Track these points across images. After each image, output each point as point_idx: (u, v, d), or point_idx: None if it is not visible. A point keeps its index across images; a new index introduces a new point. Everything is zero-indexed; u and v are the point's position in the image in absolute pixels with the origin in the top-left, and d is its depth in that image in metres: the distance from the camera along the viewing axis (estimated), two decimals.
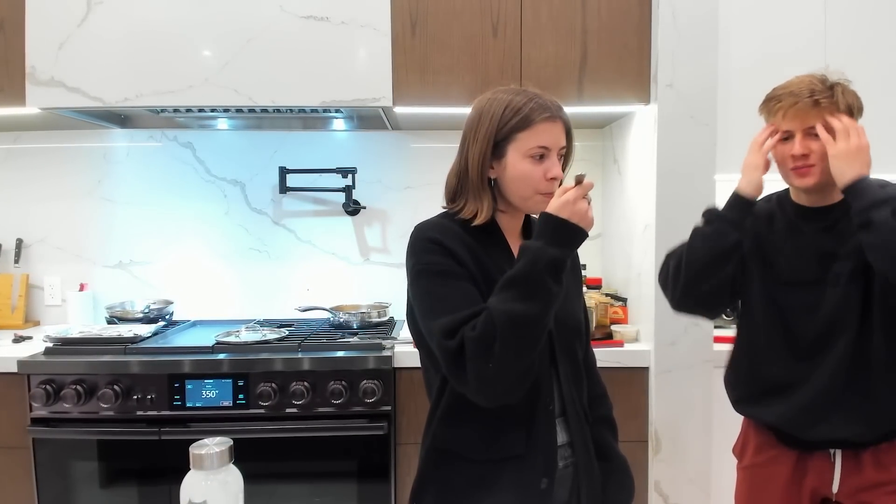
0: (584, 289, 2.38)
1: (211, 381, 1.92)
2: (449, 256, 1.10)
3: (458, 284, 1.09)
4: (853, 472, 1.35)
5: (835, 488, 1.37)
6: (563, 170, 1.19)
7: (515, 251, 1.17)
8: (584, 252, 2.47)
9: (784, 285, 1.41)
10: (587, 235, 1.08)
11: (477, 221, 1.15)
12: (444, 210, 1.22)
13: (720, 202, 1.46)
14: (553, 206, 1.06)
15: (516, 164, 1.13)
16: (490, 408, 1.07)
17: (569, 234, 1.05)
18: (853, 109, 1.36)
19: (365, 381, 1.93)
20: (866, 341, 1.32)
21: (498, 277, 1.08)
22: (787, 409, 1.38)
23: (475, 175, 1.14)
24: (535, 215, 1.21)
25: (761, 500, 1.45)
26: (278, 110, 2.10)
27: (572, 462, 1.19)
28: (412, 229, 1.17)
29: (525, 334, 1.02)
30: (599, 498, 1.22)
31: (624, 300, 2.29)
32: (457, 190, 1.18)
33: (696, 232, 1.44)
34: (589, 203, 1.07)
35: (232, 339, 2.08)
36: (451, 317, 1.05)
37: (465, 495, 1.13)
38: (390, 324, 2.38)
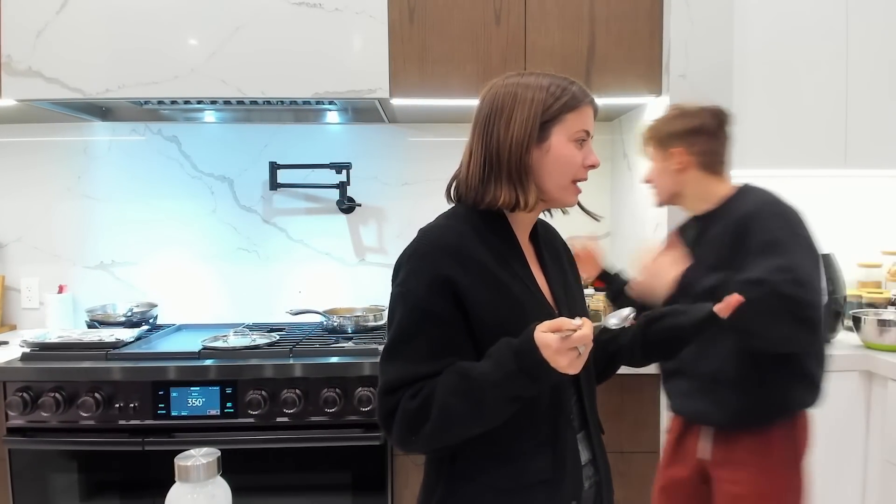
0: (592, 291, 2.38)
1: (197, 388, 1.92)
2: (445, 294, 1.04)
3: (431, 330, 1.04)
4: (719, 446, 1.60)
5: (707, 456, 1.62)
6: None
7: (525, 250, 1.17)
8: None
9: None
10: (559, 378, 0.98)
11: (524, 210, 1.12)
12: (453, 206, 1.18)
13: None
14: (540, 338, 0.95)
15: (561, 148, 1.11)
16: (514, 428, 1.06)
17: (543, 371, 0.95)
18: (664, 141, 1.62)
19: (360, 389, 1.93)
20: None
21: (512, 271, 1.10)
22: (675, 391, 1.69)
23: (514, 160, 1.09)
24: (560, 209, 1.21)
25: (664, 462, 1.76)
26: (268, 102, 2.11)
27: (595, 481, 1.16)
28: (417, 233, 1.11)
29: (457, 433, 1.03)
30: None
31: None
32: (485, 180, 1.12)
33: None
34: (579, 355, 0.94)
35: (219, 344, 2.08)
36: (401, 371, 1.04)
37: None
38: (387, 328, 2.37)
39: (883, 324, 2.14)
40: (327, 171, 2.48)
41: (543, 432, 1.09)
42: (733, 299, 1.06)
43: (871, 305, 2.42)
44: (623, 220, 2.45)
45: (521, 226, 1.18)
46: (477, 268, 1.06)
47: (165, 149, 2.55)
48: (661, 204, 1.69)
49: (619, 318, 1.02)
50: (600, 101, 2.12)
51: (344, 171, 2.47)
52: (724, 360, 1.54)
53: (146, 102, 2.12)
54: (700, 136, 1.60)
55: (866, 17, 2.19)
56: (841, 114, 2.21)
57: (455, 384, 1.00)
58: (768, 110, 2.20)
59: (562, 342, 0.93)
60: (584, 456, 1.15)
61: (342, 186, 2.48)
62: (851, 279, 2.47)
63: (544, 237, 1.25)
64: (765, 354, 1.50)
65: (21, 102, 2.08)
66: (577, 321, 0.95)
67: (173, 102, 2.10)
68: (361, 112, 2.35)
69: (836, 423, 2.10)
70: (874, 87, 2.22)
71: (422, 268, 1.06)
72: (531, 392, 0.99)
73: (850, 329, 2.29)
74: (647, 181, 1.69)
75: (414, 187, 2.59)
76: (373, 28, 2.04)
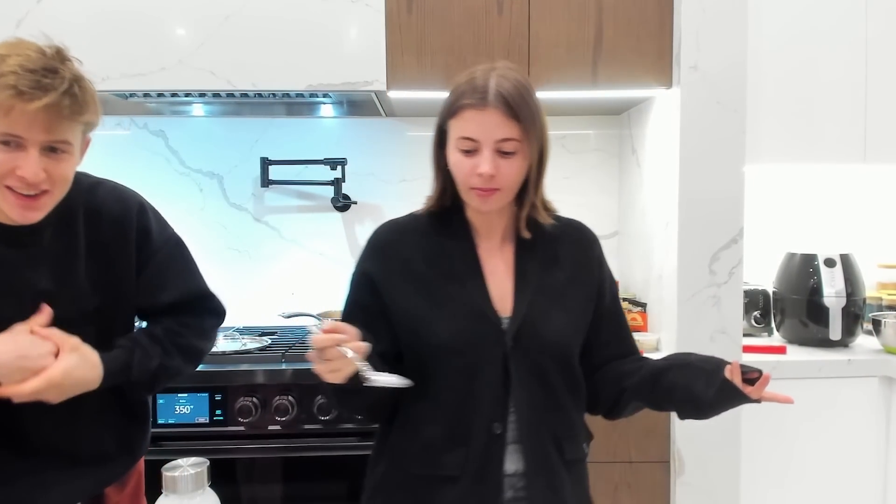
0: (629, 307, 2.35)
1: (185, 395, 1.92)
2: (366, 286, 1.22)
3: (358, 317, 1.18)
4: None
5: None
6: (539, 168, 1.18)
7: (489, 252, 1.23)
8: None
9: None
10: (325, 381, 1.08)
11: (430, 208, 1.26)
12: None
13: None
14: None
15: (450, 155, 1.18)
16: (429, 421, 1.17)
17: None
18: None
19: None
20: None
21: (452, 270, 1.20)
22: None
23: (433, 160, 1.25)
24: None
25: None
26: (260, 95, 2.10)
27: (526, 494, 1.17)
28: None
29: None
30: None
31: (643, 305, 2.29)
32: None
33: None
34: (328, 361, 1.03)
35: None
36: None
37: None
38: None
39: None
40: (321, 167, 2.48)
41: (457, 432, 1.16)
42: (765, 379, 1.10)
43: (892, 308, 2.42)
44: (632, 218, 2.45)
45: (485, 225, 1.24)
46: (402, 265, 1.21)
47: (152, 144, 2.55)
48: None
49: (378, 378, 1.06)
50: (608, 94, 2.15)
51: (339, 167, 2.47)
52: None
53: (131, 95, 2.11)
54: None
55: (886, 7, 2.19)
56: (860, 106, 2.21)
57: None
58: (784, 102, 2.20)
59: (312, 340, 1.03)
60: (514, 467, 1.17)
61: (337, 183, 2.48)
62: (871, 280, 2.47)
63: (546, 239, 1.25)
64: None
65: None
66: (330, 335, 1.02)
67: (160, 95, 2.10)
68: (357, 105, 2.35)
69: (853, 430, 2.10)
70: (895, 79, 2.22)
71: (359, 261, 1.26)
72: (344, 388, 1.07)
73: (869, 333, 2.29)
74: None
75: (412, 184, 2.59)
76: (369, 17, 2.04)
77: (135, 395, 1.31)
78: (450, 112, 1.15)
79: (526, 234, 1.21)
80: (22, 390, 1.07)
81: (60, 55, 1.12)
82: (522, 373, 1.16)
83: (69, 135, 1.11)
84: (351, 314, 1.23)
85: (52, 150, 1.09)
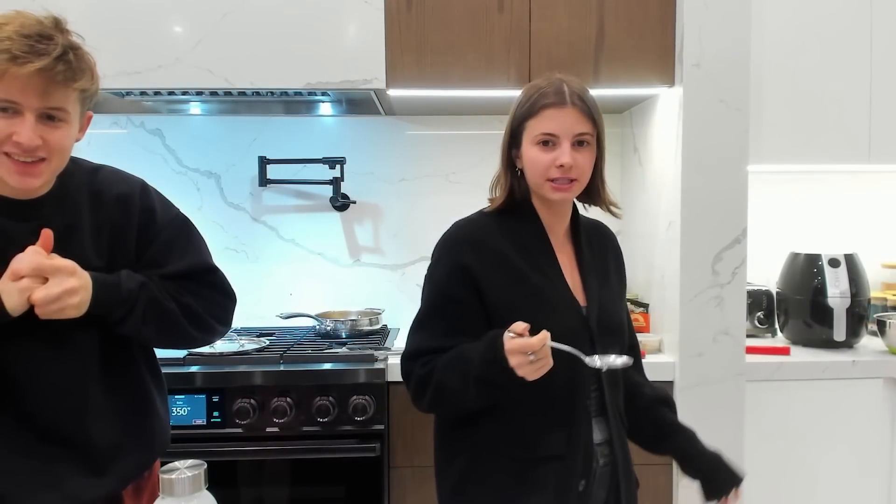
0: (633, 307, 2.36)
1: (182, 396, 1.92)
2: (463, 281, 1.27)
3: (449, 312, 1.29)
4: None
5: None
6: (599, 158, 1.34)
7: (558, 246, 1.35)
8: None
9: None
10: (515, 378, 1.15)
11: (493, 207, 1.35)
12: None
13: None
14: (507, 344, 1.14)
15: (527, 152, 1.29)
16: (533, 407, 1.25)
17: (499, 365, 1.15)
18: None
19: (355, 397, 1.93)
20: None
21: (536, 263, 1.30)
22: None
23: (501, 162, 1.35)
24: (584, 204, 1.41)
25: None
26: (258, 93, 2.10)
27: (611, 460, 1.32)
28: (450, 225, 1.35)
29: (451, 401, 1.26)
30: (635, 499, 1.38)
31: (645, 306, 2.29)
32: (498, 176, 1.37)
33: None
34: (530, 361, 1.12)
35: (205, 349, 2.07)
36: (421, 342, 1.30)
37: (505, 494, 1.27)
38: (383, 332, 2.38)
39: None
40: (320, 166, 2.48)
41: (561, 413, 1.27)
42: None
43: None
44: (634, 218, 2.45)
45: (552, 221, 1.35)
46: (495, 257, 1.29)
47: (148, 143, 2.55)
48: None
49: (604, 363, 1.19)
50: (610, 92, 2.14)
51: (338, 167, 2.47)
52: None
53: (128, 93, 2.11)
54: None
55: (891, 4, 2.19)
56: (864, 105, 2.21)
57: (450, 360, 1.23)
58: (787, 101, 2.20)
59: (509, 342, 1.13)
60: (600, 437, 1.31)
61: (336, 182, 2.48)
62: (875, 280, 2.47)
63: (590, 236, 1.42)
64: None
65: None
66: (542, 334, 1.12)
67: (157, 94, 2.10)
68: (356, 104, 2.35)
69: (858, 432, 2.10)
70: None
71: (445, 256, 1.32)
72: (500, 380, 1.16)
73: (874, 333, 2.29)
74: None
75: (412, 183, 2.59)
76: (368, 15, 2.04)
77: (131, 327, 1.22)
78: (529, 113, 1.28)
79: (619, 214, 1.40)
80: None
81: (58, 25, 1.14)
82: (603, 354, 1.28)
83: (65, 102, 1.13)
84: (441, 307, 1.30)
85: (49, 118, 1.12)
